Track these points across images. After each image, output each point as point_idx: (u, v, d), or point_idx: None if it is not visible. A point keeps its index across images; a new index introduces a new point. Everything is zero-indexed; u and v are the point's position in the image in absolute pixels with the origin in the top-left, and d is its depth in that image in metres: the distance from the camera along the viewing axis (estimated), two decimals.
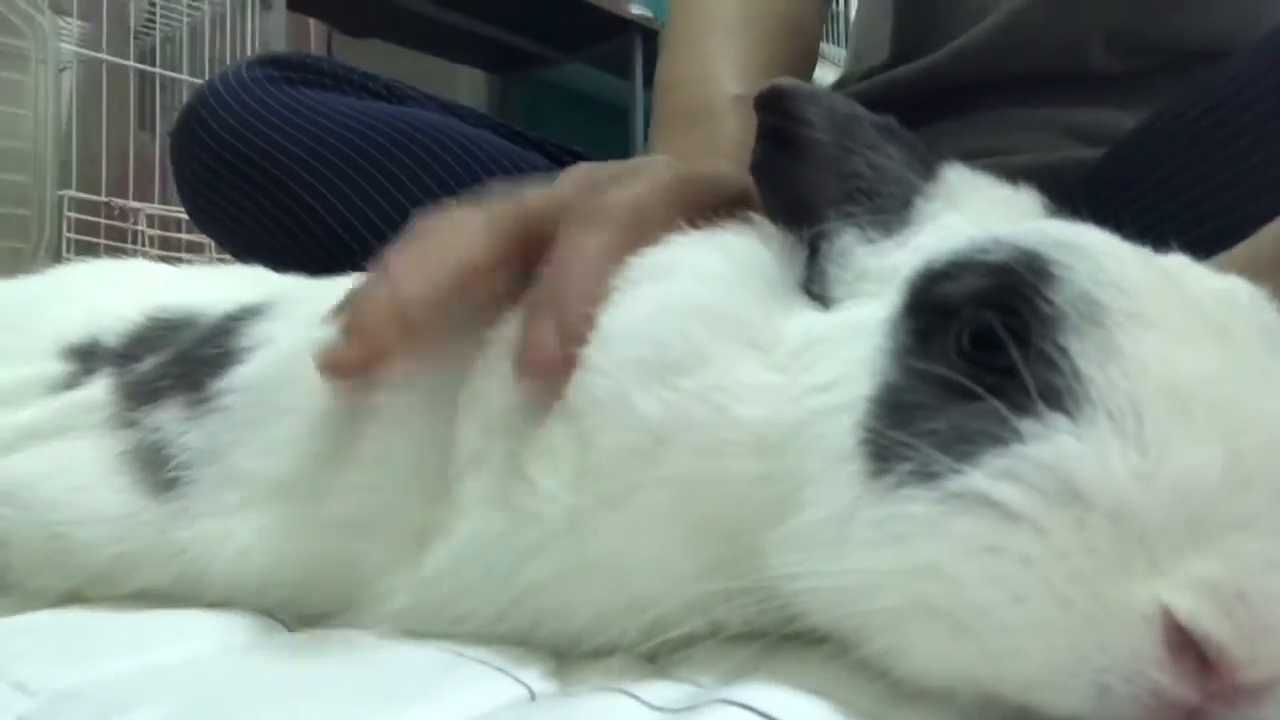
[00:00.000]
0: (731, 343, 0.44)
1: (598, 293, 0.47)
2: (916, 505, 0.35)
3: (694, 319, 0.44)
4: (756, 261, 0.48)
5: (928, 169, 0.48)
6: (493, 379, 0.48)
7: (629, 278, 0.48)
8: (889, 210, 0.47)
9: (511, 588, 0.46)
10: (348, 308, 0.50)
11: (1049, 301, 0.36)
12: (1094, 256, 0.37)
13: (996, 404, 0.35)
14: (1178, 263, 0.41)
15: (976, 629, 0.33)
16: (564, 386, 0.46)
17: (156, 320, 0.66)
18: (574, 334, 0.46)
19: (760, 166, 0.51)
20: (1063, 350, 0.35)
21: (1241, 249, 0.54)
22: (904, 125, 0.50)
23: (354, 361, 0.48)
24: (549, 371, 0.46)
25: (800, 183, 0.49)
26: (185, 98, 1.72)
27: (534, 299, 0.49)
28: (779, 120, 0.49)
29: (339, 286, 0.64)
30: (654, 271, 0.48)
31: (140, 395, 0.61)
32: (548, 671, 0.44)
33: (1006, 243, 0.39)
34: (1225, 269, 0.41)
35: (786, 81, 0.50)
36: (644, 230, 0.50)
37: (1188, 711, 0.31)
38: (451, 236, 0.50)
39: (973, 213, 0.46)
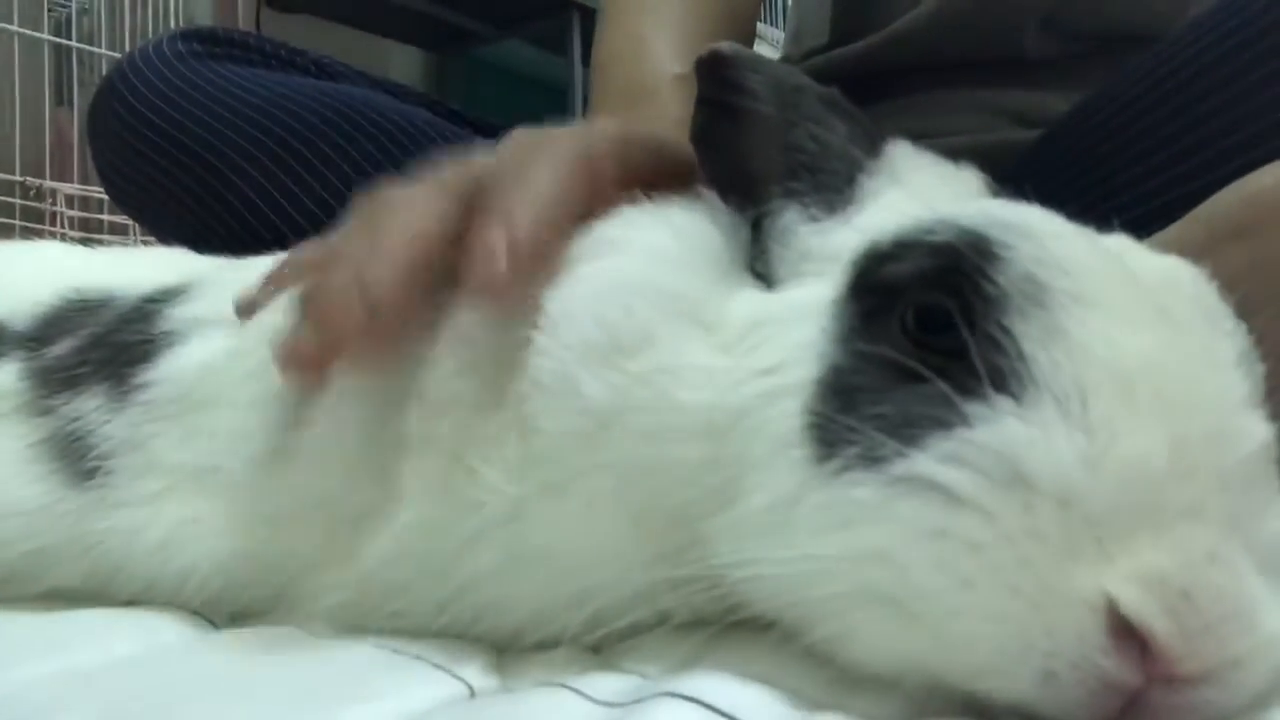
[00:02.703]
0: (678, 324, 0.43)
1: (549, 215, 0.45)
2: (862, 490, 0.34)
3: (641, 298, 0.43)
4: (705, 239, 0.47)
5: (872, 145, 0.47)
6: (439, 361, 0.47)
7: (575, 253, 0.46)
8: (832, 187, 0.46)
9: (451, 580, 0.45)
10: (306, 296, 0.46)
11: (993, 282, 0.36)
12: (1038, 237, 0.37)
13: (943, 387, 0.35)
14: (1120, 243, 0.41)
15: (923, 615, 0.32)
16: (510, 305, 0.43)
17: (70, 302, 0.63)
18: (524, 251, 0.43)
19: (700, 135, 0.50)
20: (1008, 332, 0.35)
21: (1173, 230, 0.55)
22: None
23: (316, 353, 0.45)
24: (499, 288, 0.43)
25: (742, 153, 0.48)
26: (105, 72, 1.66)
27: (483, 207, 0.46)
28: (719, 88, 0.48)
29: (264, 268, 0.62)
30: (601, 247, 0.46)
31: (56, 382, 0.58)
32: (488, 666, 0.43)
33: (951, 223, 0.39)
34: (1159, 250, 0.42)
35: (727, 46, 0.48)
36: (591, 169, 0.48)
37: (1130, 694, 0.31)
38: (403, 211, 0.47)
39: (917, 191, 0.46)
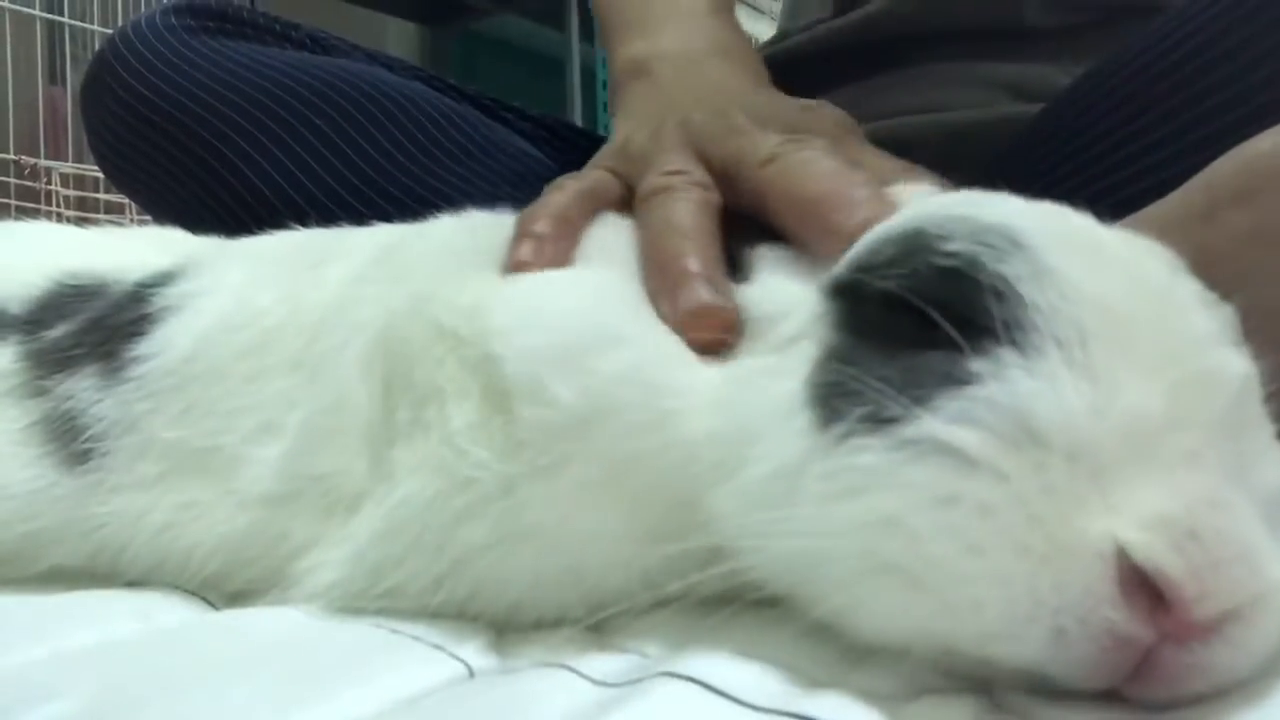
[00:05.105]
0: (646, 320, 0.44)
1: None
2: (869, 455, 0.34)
3: (610, 301, 0.44)
4: None
5: None
6: (428, 352, 0.46)
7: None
8: None
9: (446, 554, 0.44)
10: None
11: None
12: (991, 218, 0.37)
13: (951, 331, 0.34)
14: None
15: (933, 583, 0.32)
16: None
17: (65, 286, 0.63)
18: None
19: None
20: (1002, 279, 0.34)
21: (1176, 196, 0.54)
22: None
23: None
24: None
25: None
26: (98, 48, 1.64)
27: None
28: None
29: (259, 248, 0.62)
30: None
31: (51, 363, 0.58)
32: (486, 646, 0.43)
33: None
34: (1137, 229, 0.41)
35: None
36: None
37: (1141, 653, 0.31)
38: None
39: None
